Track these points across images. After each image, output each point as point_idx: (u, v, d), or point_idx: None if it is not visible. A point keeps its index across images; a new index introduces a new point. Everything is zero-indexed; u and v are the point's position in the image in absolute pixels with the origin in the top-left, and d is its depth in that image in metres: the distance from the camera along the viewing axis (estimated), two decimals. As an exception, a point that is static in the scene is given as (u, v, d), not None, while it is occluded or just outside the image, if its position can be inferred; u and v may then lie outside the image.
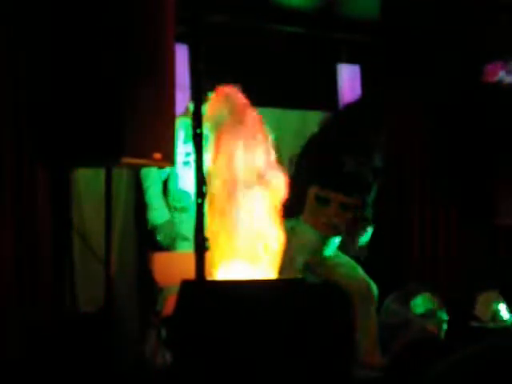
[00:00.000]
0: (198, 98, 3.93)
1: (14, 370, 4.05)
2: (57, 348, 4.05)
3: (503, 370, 1.40)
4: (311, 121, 5.90)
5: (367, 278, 5.48)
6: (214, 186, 4.01)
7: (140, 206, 5.57)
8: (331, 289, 3.97)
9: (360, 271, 5.48)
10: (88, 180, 5.23)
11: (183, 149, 5.45)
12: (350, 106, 5.63)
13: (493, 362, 1.42)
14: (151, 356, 4.41)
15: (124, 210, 5.50)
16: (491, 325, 6.09)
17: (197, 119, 3.88)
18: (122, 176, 5.40)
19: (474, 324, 5.72)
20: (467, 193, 6.74)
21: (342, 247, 5.51)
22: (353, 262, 5.49)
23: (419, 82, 6.31)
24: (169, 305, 4.19)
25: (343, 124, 5.42)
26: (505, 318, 6.15)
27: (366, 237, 5.50)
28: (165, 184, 5.48)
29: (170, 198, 5.47)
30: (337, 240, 5.45)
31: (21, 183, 4.85)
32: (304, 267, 5.24)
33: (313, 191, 5.25)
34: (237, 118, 4.27)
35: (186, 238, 5.33)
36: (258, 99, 5.25)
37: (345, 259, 5.50)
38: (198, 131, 3.85)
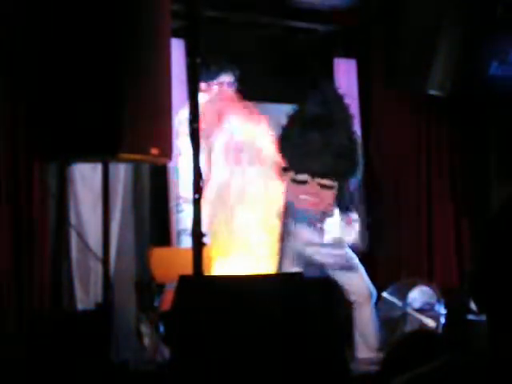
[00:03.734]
0: (194, 93, 3.92)
1: (13, 368, 4.05)
2: (55, 345, 4.05)
3: None
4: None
5: (364, 275, 5.49)
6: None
7: (138, 201, 5.57)
8: (327, 283, 3.97)
9: (360, 273, 5.49)
10: (85, 176, 5.22)
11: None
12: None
13: (451, 379, 1.44)
14: (149, 351, 4.42)
15: (122, 205, 5.50)
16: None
17: (193, 114, 3.88)
18: (119, 171, 5.38)
19: (471, 317, 5.72)
20: (464, 186, 6.75)
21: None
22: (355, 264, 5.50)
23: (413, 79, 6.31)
24: (167, 300, 4.19)
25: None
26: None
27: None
28: None
29: None
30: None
31: (17, 180, 4.84)
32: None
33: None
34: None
35: None
36: (254, 94, 5.26)
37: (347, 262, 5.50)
38: (195, 126, 3.84)
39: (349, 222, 5.53)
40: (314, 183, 5.40)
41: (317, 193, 5.40)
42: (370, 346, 5.39)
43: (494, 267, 1.41)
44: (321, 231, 5.48)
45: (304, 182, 5.39)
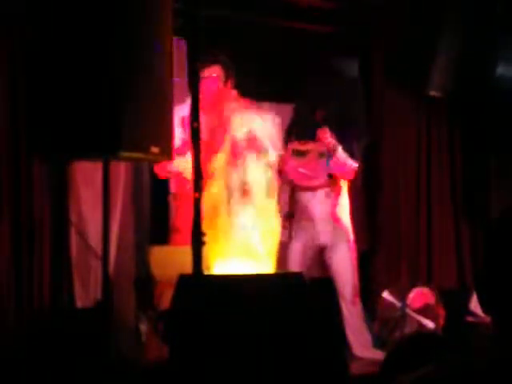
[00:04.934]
0: (195, 92, 3.92)
1: (13, 367, 4.05)
2: (55, 343, 4.05)
3: None
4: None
5: (352, 273, 5.48)
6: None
7: (139, 199, 5.57)
8: (328, 283, 3.97)
9: (350, 266, 5.47)
10: (86, 174, 5.22)
11: None
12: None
13: (451, 380, 1.44)
14: (148, 350, 4.41)
15: (122, 203, 5.49)
16: (487, 320, 6.09)
17: (194, 113, 3.88)
18: (120, 170, 5.38)
19: (471, 319, 5.73)
20: (464, 186, 6.75)
21: None
22: (347, 258, 5.48)
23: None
24: (165, 299, 4.19)
25: None
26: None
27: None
28: None
29: None
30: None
31: (18, 178, 4.85)
32: None
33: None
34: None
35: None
36: (253, 93, 5.26)
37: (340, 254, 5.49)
38: (195, 125, 3.84)
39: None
40: (313, 153, 5.40)
41: (314, 167, 5.40)
42: (363, 344, 5.38)
43: (500, 268, 1.42)
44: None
45: (304, 153, 5.39)
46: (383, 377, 2.16)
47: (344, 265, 5.43)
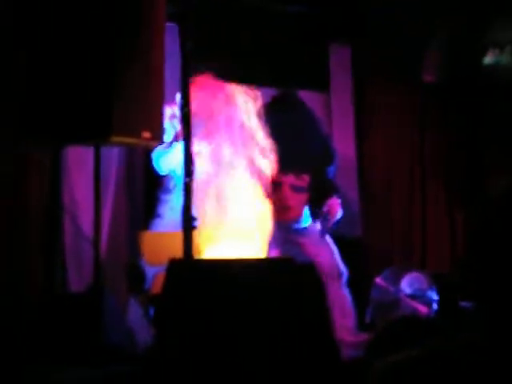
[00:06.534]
0: (186, 77, 3.92)
1: (5, 352, 4.06)
2: (47, 327, 4.06)
3: (449, 373, 1.42)
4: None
5: (338, 258, 5.49)
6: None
7: (131, 183, 5.57)
8: (311, 268, 3.97)
9: (332, 251, 5.48)
10: (79, 158, 5.22)
11: None
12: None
13: (440, 364, 1.44)
14: (139, 334, 4.43)
15: (115, 188, 5.50)
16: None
17: (185, 98, 3.88)
18: (112, 153, 5.38)
19: (464, 304, 5.74)
20: (458, 174, 6.75)
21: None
22: (326, 242, 5.49)
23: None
24: (157, 283, 4.20)
25: None
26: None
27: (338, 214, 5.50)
28: None
29: None
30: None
31: (9, 164, 4.84)
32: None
33: None
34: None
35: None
36: (249, 79, 5.25)
37: (315, 237, 5.50)
38: (186, 110, 3.85)
39: (333, 208, 5.46)
40: (286, 186, 5.35)
41: (288, 197, 5.35)
42: (348, 328, 5.39)
43: (486, 255, 1.42)
44: None
45: (278, 184, 5.33)
46: (368, 360, 2.17)
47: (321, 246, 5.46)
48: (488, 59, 6.04)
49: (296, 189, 5.35)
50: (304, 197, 5.38)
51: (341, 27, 6.41)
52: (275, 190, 5.24)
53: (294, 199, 5.35)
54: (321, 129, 5.63)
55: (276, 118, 4.86)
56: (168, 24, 4.33)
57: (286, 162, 4.93)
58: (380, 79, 6.52)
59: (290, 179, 5.33)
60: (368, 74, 6.56)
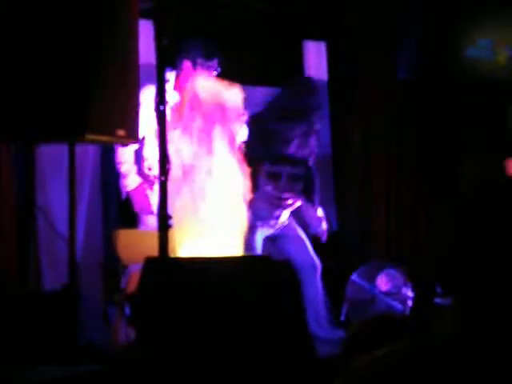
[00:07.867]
0: (161, 74, 3.91)
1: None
2: (21, 326, 4.03)
3: (423, 370, 1.42)
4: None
5: (311, 253, 5.50)
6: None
7: (107, 182, 5.54)
8: (287, 265, 3.98)
9: (305, 246, 5.50)
10: (52, 156, 5.18)
11: None
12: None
13: (414, 361, 1.44)
14: (115, 333, 4.41)
15: (90, 187, 5.46)
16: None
17: (160, 96, 3.87)
18: (87, 152, 5.35)
19: (439, 300, 5.77)
20: (434, 166, 6.77)
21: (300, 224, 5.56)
22: (300, 237, 5.51)
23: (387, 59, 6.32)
24: (132, 282, 4.19)
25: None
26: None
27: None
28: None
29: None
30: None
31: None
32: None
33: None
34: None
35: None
36: (225, 76, 5.24)
37: (292, 234, 5.51)
38: (161, 108, 3.83)
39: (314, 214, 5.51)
40: (285, 176, 5.38)
41: (288, 187, 5.39)
42: (320, 322, 5.40)
43: (465, 250, 1.42)
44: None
45: (278, 176, 5.36)
46: (342, 359, 2.17)
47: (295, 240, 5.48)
48: (467, 55, 6.08)
49: (295, 178, 5.39)
50: (300, 185, 5.44)
51: (316, 24, 6.42)
52: (276, 181, 5.33)
53: (292, 187, 5.39)
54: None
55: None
56: (143, 21, 4.32)
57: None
58: (357, 76, 6.53)
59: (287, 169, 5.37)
60: (344, 71, 6.56)
